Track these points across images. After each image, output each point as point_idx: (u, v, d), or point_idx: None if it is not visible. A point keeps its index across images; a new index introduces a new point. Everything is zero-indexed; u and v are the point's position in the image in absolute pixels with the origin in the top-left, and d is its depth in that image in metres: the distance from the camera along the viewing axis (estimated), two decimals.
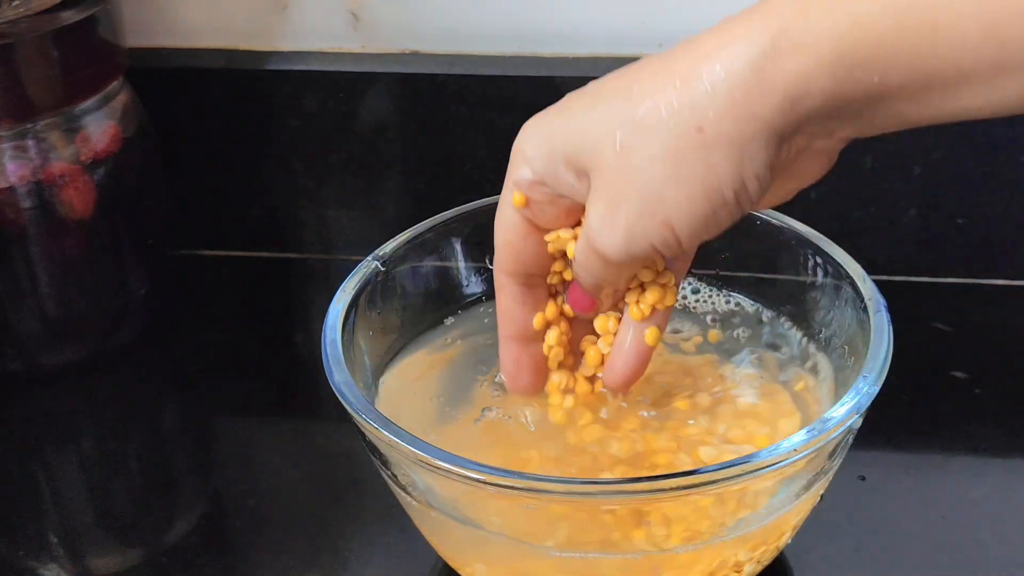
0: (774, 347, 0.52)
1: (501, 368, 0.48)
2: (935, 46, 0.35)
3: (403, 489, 0.45)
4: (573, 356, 0.48)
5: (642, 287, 0.45)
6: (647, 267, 0.44)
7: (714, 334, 0.53)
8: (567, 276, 0.46)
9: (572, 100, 0.42)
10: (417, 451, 0.41)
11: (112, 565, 0.54)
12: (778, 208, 0.45)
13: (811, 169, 0.41)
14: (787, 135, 0.38)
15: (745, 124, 0.37)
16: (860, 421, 0.43)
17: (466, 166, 0.70)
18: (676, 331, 0.53)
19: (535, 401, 0.48)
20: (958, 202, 0.67)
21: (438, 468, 0.41)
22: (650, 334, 0.45)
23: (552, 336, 0.47)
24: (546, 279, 0.47)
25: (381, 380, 0.51)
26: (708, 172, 0.38)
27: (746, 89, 0.37)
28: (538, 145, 0.42)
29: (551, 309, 0.47)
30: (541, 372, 0.47)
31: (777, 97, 0.36)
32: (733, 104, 0.37)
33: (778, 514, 0.43)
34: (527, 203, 0.43)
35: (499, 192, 0.54)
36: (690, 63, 0.38)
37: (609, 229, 0.40)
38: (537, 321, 0.47)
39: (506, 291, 0.46)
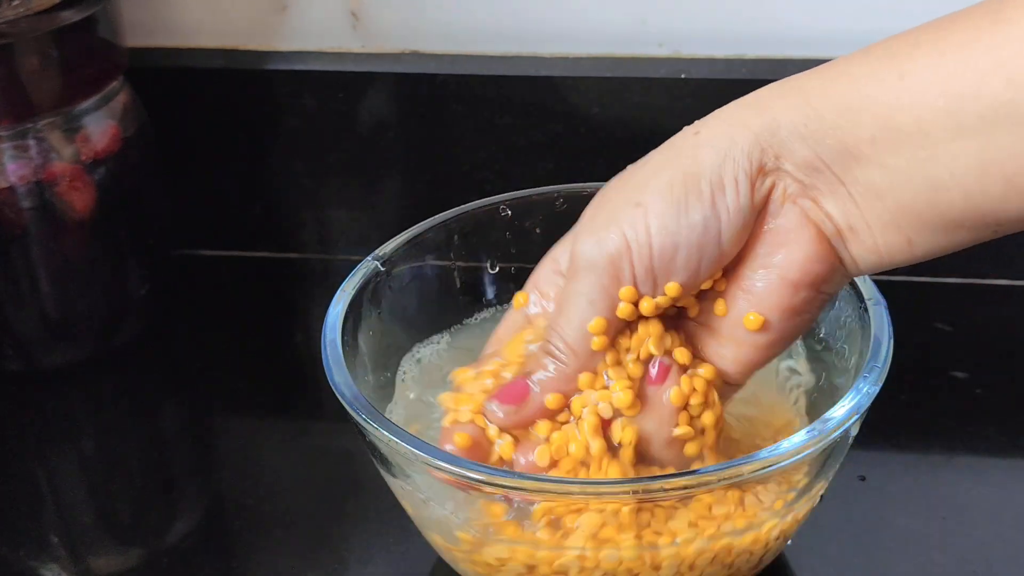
0: None
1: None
2: (899, 95, 0.37)
3: (403, 489, 0.45)
4: None
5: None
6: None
7: None
8: None
9: None
10: (417, 451, 0.41)
11: (112, 565, 0.54)
12: None
13: (799, 238, 0.41)
14: (770, 161, 0.40)
15: (736, 130, 0.40)
16: (860, 421, 0.43)
17: (466, 166, 0.70)
18: None
19: None
20: None
21: (438, 468, 0.41)
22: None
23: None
24: None
25: (382, 381, 0.51)
26: (692, 162, 0.40)
27: (746, 111, 0.41)
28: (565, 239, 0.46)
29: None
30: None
31: (767, 116, 0.40)
32: (731, 118, 0.41)
33: (778, 514, 0.43)
34: (528, 302, 0.46)
35: (499, 192, 0.55)
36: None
37: (587, 228, 0.42)
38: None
39: None
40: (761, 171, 0.40)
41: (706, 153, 0.40)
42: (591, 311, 0.41)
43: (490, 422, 0.43)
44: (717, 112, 0.42)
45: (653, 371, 0.43)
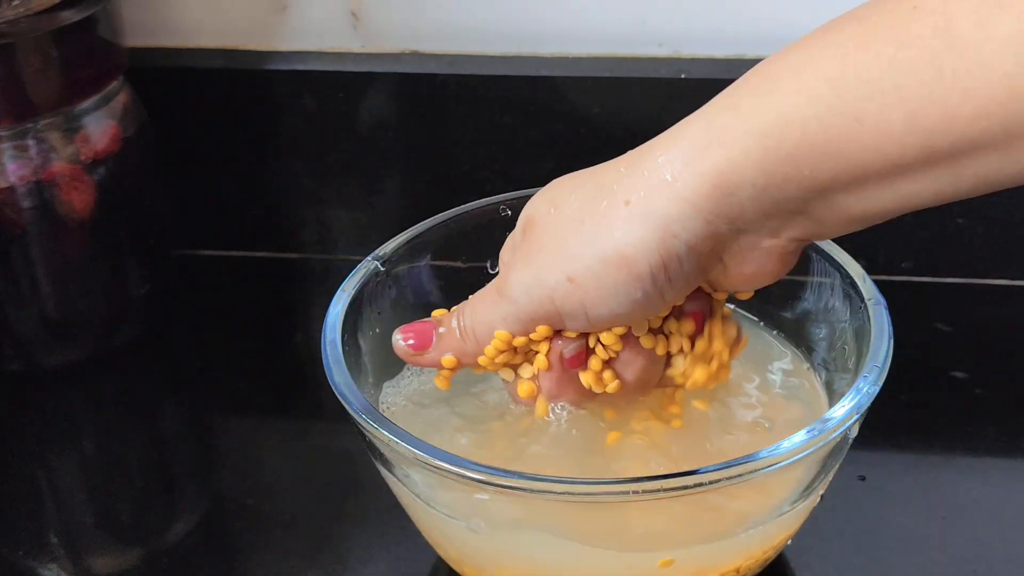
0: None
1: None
2: (861, 139, 0.35)
3: (403, 489, 0.45)
4: None
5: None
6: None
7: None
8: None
9: None
10: (417, 451, 0.41)
11: (112, 565, 0.54)
12: None
13: (767, 267, 0.40)
14: (722, 228, 0.38)
15: (673, 204, 0.38)
16: (860, 421, 0.43)
17: (466, 166, 0.70)
18: None
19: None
20: (958, 202, 0.66)
21: (438, 468, 0.41)
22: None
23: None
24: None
25: (383, 383, 0.51)
26: (627, 243, 0.38)
27: (677, 173, 0.38)
28: (510, 239, 0.44)
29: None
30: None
31: (706, 184, 0.37)
32: (663, 184, 0.38)
33: (778, 514, 0.43)
34: None
35: (499, 192, 0.55)
36: (638, 153, 0.40)
37: (521, 266, 0.41)
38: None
39: None
40: (709, 237, 0.38)
41: (643, 231, 0.38)
42: (502, 325, 0.42)
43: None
44: (643, 170, 0.39)
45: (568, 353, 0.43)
